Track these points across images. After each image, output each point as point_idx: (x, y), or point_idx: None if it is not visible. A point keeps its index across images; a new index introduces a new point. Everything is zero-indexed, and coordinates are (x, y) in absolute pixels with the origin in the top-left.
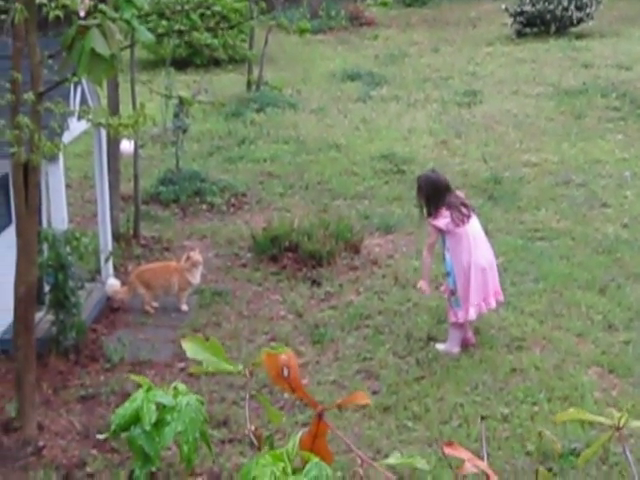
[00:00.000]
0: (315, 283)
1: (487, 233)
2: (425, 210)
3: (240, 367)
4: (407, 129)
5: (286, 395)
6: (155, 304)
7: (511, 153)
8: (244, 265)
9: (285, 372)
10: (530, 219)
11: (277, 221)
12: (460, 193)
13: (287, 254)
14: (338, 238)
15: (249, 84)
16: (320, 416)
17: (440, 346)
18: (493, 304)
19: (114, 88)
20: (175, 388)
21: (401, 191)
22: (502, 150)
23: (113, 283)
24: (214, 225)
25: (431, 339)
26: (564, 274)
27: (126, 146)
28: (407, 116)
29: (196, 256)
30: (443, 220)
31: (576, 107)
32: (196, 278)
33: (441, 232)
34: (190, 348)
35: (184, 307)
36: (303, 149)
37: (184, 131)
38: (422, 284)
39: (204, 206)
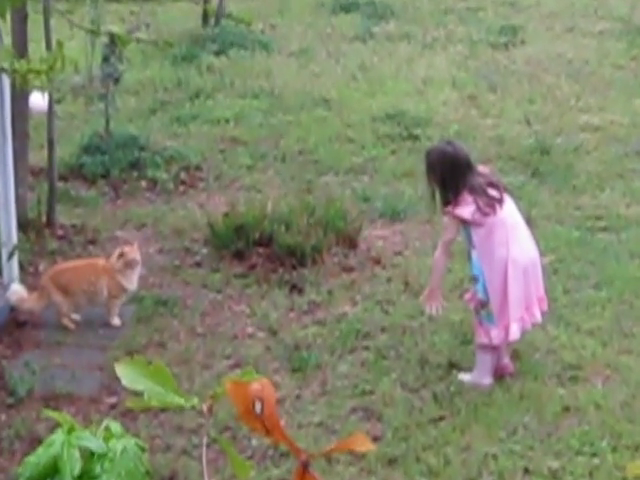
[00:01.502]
0: (295, 289)
1: (529, 222)
2: (440, 197)
3: (195, 401)
4: (422, 79)
5: (255, 441)
6: (76, 316)
7: (564, 113)
8: (198, 264)
9: (257, 407)
10: (589, 203)
11: (243, 204)
12: (484, 168)
13: (257, 249)
14: (327, 228)
15: (205, 17)
16: (305, 467)
17: (465, 376)
18: (538, 316)
19: (21, 21)
20: (107, 429)
21: (413, 164)
22: (552, 109)
23: (17, 289)
24: (157, 209)
25: (453, 366)
26: (636, 278)
27: (37, 101)
28: (422, 61)
29: (132, 253)
30: (467, 208)
31: None
32: (132, 282)
33: (464, 224)
34: (126, 375)
35: (116, 321)
36: (279, 106)
37: (116, 80)
38: (426, 295)
39: (143, 183)
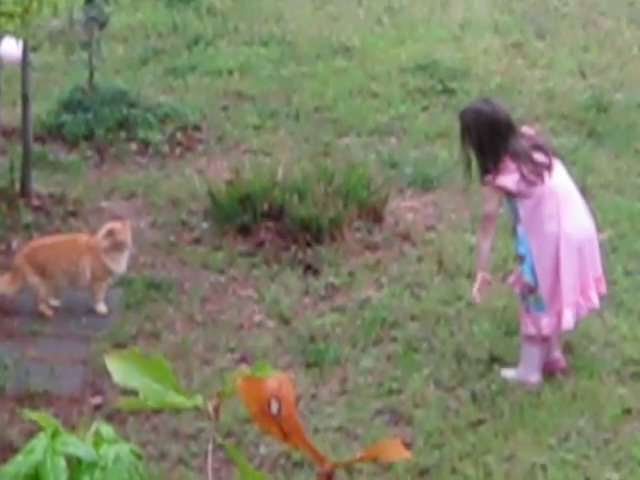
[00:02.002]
0: (310, 270)
1: (584, 191)
2: (478, 164)
3: (199, 400)
4: (458, 23)
5: (263, 448)
6: (55, 302)
7: (625, 63)
8: (197, 241)
9: (274, 407)
10: None
11: (250, 170)
12: (529, 129)
13: (266, 223)
14: (347, 198)
15: None
16: (329, 478)
17: (509, 372)
18: (595, 301)
19: None
20: (97, 433)
21: (448, 123)
22: (610, 58)
23: None
24: (149, 176)
25: (495, 361)
26: None
27: (10, 49)
28: (458, 3)
29: (122, 233)
30: (510, 177)
31: None
32: (119, 264)
33: (508, 195)
34: (118, 370)
35: (101, 307)
36: (291, 55)
37: (102, 25)
38: (478, 287)
39: (133, 145)
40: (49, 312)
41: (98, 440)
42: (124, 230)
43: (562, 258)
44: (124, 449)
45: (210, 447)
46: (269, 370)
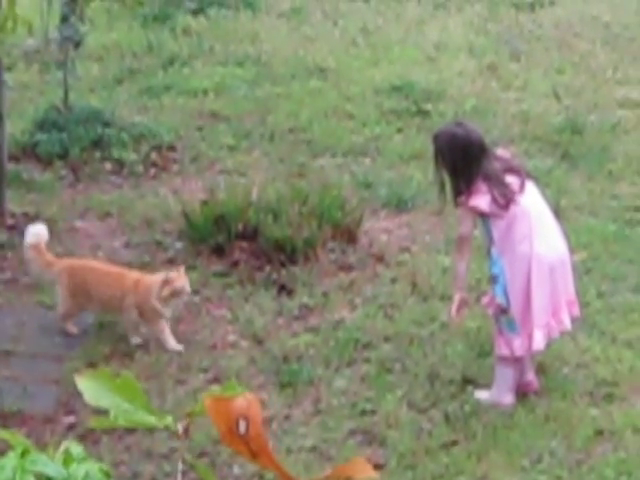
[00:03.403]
0: (284, 290)
1: (558, 213)
2: (451, 186)
3: (169, 420)
4: (433, 45)
5: (237, 469)
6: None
7: (599, 86)
8: (171, 261)
9: (242, 427)
10: (628, 191)
11: (224, 191)
12: (504, 151)
13: (240, 244)
14: (322, 219)
15: None
16: None
17: (483, 394)
18: (567, 323)
19: None
20: (67, 452)
21: (422, 144)
22: (585, 81)
23: (40, 230)
24: (124, 196)
25: (468, 382)
26: None
27: None
28: (434, 24)
29: (178, 280)
30: (483, 198)
31: None
32: (170, 309)
33: (481, 216)
34: (89, 389)
35: (172, 344)
36: (267, 76)
37: (77, 45)
38: (455, 309)
39: (108, 165)
40: (74, 330)
41: (68, 459)
42: (180, 277)
43: (533, 279)
44: (93, 468)
45: (180, 467)
46: (237, 390)
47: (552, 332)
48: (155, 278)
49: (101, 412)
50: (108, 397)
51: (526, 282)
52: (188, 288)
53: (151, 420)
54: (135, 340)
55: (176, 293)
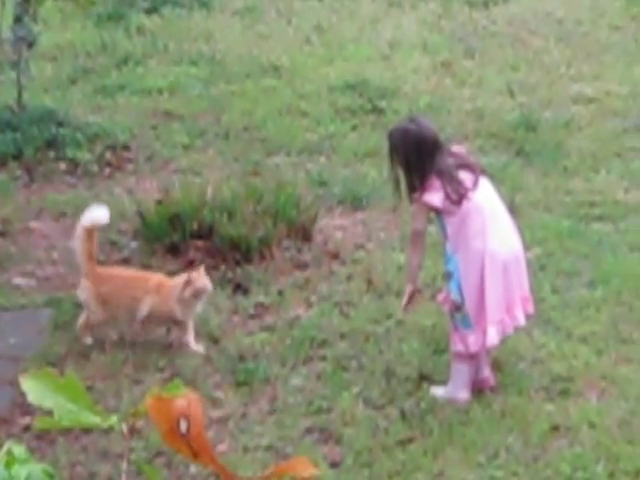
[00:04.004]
0: (240, 289)
1: (512, 209)
2: (406, 182)
3: (114, 420)
4: (387, 42)
5: (194, 468)
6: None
7: (553, 82)
8: (126, 260)
9: (183, 426)
10: (582, 187)
11: (179, 190)
12: (460, 147)
13: (195, 242)
14: (277, 217)
15: None
16: None
17: (439, 390)
18: (521, 319)
19: None
20: (9, 453)
21: (377, 142)
22: (539, 77)
23: (103, 214)
24: (78, 196)
25: (424, 379)
26: (636, 275)
27: None
28: (388, 22)
29: (199, 280)
30: (436, 194)
31: None
32: (193, 311)
33: (435, 212)
34: (33, 390)
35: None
36: (221, 74)
37: (30, 44)
38: (405, 303)
39: (62, 165)
40: (89, 340)
41: (10, 460)
42: (200, 277)
43: (487, 276)
44: (36, 469)
45: (124, 467)
46: (181, 390)
47: (506, 328)
48: (177, 280)
49: (50, 413)
50: (52, 397)
51: (480, 278)
52: (210, 286)
53: (95, 420)
54: (195, 347)
55: (198, 293)
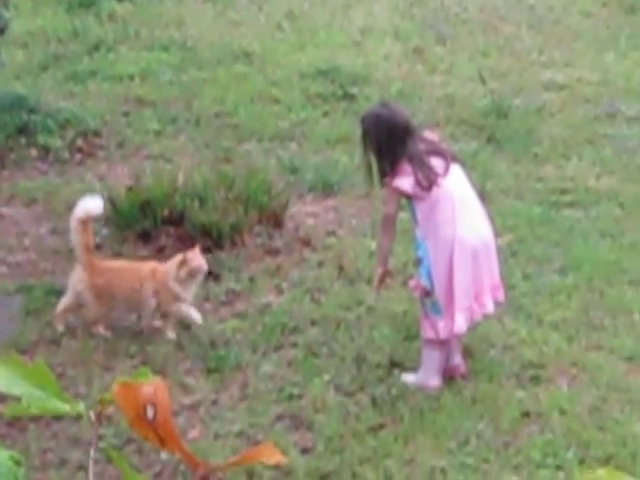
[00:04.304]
0: (211, 276)
1: (483, 196)
2: (377, 167)
3: (81, 407)
4: (359, 29)
5: (165, 455)
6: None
7: (524, 69)
8: (97, 247)
9: (149, 413)
10: (553, 174)
11: (150, 176)
12: (432, 133)
13: (166, 229)
14: (248, 204)
15: None
16: None
17: (409, 377)
18: (490, 306)
19: None
20: None
21: (349, 128)
22: (510, 64)
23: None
24: (49, 182)
25: (395, 366)
26: (607, 262)
27: None
28: (359, 8)
29: (195, 259)
30: (406, 179)
31: None
32: (191, 291)
33: (406, 197)
34: (1, 376)
35: (171, 334)
36: (192, 61)
37: (1, 31)
38: (376, 284)
39: (33, 151)
40: (105, 333)
41: None
42: (196, 256)
43: (456, 262)
44: (2, 456)
45: (92, 454)
46: (149, 376)
47: (474, 315)
48: (172, 261)
49: (18, 400)
50: (20, 384)
51: (449, 265)
52: (205, 267)
53: (63, 408)
54: (170, 335)
55: (193, 272)
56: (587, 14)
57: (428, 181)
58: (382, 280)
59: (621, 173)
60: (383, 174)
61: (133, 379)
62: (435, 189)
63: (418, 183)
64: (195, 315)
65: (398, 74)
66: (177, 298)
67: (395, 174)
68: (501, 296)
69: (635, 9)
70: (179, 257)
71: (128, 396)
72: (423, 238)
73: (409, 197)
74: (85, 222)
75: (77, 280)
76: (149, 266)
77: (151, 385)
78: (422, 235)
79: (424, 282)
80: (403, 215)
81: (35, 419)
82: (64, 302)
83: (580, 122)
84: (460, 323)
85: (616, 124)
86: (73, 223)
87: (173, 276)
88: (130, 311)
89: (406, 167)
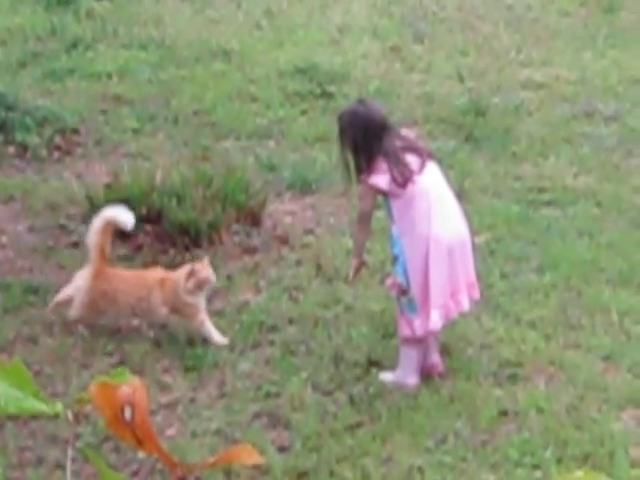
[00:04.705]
0: (189, 274)
1: (461, 195)
2: (354, 164)
3: (59, 406)
4: (337, 27)
5: (142, 454)
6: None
7: (502, 68)
8: (75, 244)
9: (127, 413)
10: (531, 173)
11: (128, 174)
12: (408, 131)
13: (144, 227)
14: (226, 202)
15: None
16: None
17: (387, 376)
18: (465, 304)
19: None
20: None
21: (327, 126)
22: (488, 62)
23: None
24: (27, 180)
25: (373, 364)
26: (584, 261)
27: None
28: (337, 6)
29: (202, 271)
30: (382, 176)
31: None
32: (202, 299)
33: (382, 194)
34: None
35: (219, 338)
36: (170, 59)
37: None
38: (352, 276)
39: (11, 149)
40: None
41: None
42: (204, 267)
43: (431, 260)
44: None
45: (69, 453)
46: (126, 376)
47: (450, 313)
48: (180, 272)
49: None
50: None
51: (424, 263)
52: (213, 278)
53: (40, 407)
54: (219, 339)
55: (201, 284)
56: (565, 13)
57: (403, 178)
58: (357, 271)
59: (599, 172)
60: (359, 171)
61: (111, 379)
62: (410, 186)
63: (393, 180)
64: (216, 337)
65: (376, 72)
66: (194, 306)
67: (371, 171)
68: (476, 294)
69: (613, 8)
70: (187, 268)
71: (106, 396)
72: (399, 235)
73: (385, 194)
74: (109, 226)
75: (82, 277)
76: (156, 274)
77: (129, 386)
78: (398, 233)
79: (400, 279)
80: (381, 213)
81: (12, 417)
82: (64, 293)
83: (558, 121)
84: (435, 320)
85: (594, 123)
86: (98, 223)
87: (182, 288)
88: (134, 318)
89: (382, 164)
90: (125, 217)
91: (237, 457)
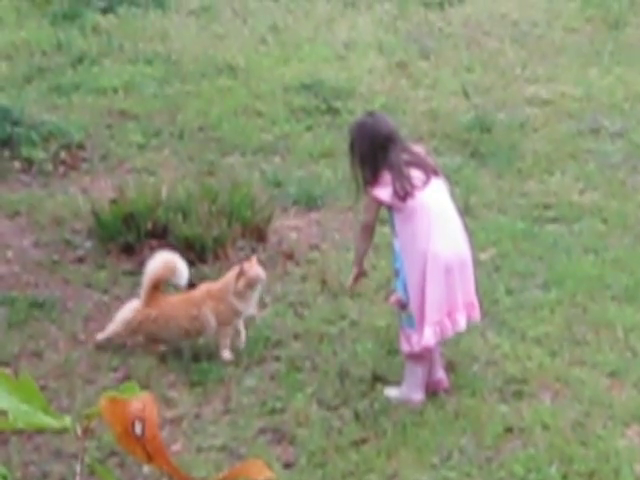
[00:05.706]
0: (239, 274)
1: (467, 211)
2: (361, 176)
3: (67, 421)
4: (343, 43)
5: (147, 469)
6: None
7: (508, 84)
8: (81, 260)
9: (138, 428)
10: (537, 189)
11: (134, 189)
12: (419, 147)
13: (150, 242)
14: (231, 217)
15: None
16: None
17: (392, 391)
18: (462, 324)
19: None
20: None
21: (332, 142)
22: (494, 79)
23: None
24: (33, 195)
25: (378, 380)
26: (590, 277)
27: None
28: (343, 22)
29: (251, 269)
30: (386, 189)
31: (612, 11)
32: (251, 303)
33: (386, 207)
34: None
35: (226, 354)
36: (176, 74)
37: None
38: (351, 284)
39: (17, 164)
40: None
41: None
42: (253, 266)
43: (428, 277)
44: None
45: (78, 468)
46: (136, 391)
47: (445, 331)
48: (228, 275)
49: (5, 414)
50: (6, 398)
51: (422, 278)
52: (263, 275)
53: (49, 422)
54: (226, 355)
55: (252, 282)
56: (571, 29)
57: (404, 191)
58: (356, 280)
59: (604, 188)
60: (366, 183)
61: (120, 394)
62: (410, 201)
63: (395, 193)
64: (243, 336)
65: (382, 88)
66: (237, 313)
67: (376, 183)
68: (476, 315)
69: (619, 25)
70: (235, 269)
71: (116, 411)
72: (400, 250)
73: (389, 207)
74: (161, 279)
75: (129, 309)
76: (202, 289)
77: (140, 400)
78: (399, 247)
79: (401, 294)
80: (387, 229)
81: (17, 432)
82: (110, 330)
83: (563, 137)
84: (428, 336)
85: (599, 139)
86: (159, 261)
87: (232, 290)
88: (188, 339)
89: (387, 176)
90: (183, 269)
91: (247, 472)
